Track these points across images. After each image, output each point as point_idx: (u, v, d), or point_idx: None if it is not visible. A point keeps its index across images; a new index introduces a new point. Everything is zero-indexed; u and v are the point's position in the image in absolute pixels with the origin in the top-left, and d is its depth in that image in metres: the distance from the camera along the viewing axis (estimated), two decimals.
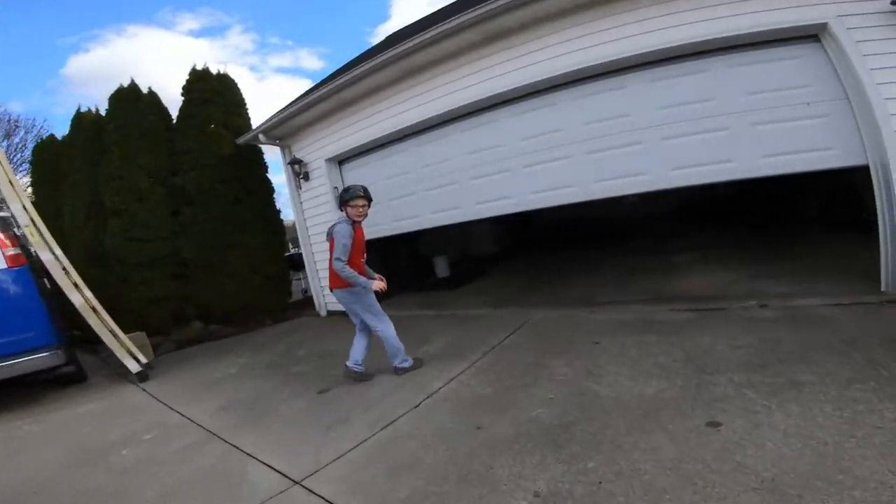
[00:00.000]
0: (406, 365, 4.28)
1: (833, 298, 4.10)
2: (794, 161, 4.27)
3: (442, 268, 9.36)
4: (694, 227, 9.70)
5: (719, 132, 4.48)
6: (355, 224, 4.08)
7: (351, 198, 4.04)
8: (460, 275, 9.13)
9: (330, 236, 4.03)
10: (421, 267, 9.33)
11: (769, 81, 4.32)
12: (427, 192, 6.47)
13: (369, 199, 4.14)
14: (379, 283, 3.99)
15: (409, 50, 5.58)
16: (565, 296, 6.02)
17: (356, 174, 7.35)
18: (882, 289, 4.15)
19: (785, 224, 8.43)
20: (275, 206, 9.17)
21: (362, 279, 3.92)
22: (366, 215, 4.12)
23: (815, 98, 4.19)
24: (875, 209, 4.10)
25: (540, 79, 5.10)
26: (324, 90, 6.60)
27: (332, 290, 4.18)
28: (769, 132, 4.33)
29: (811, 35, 4.16)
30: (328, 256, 4.03)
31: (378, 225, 7.05)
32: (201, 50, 76.10)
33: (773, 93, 4.31)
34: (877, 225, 4.10)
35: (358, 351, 4.26)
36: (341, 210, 4.14)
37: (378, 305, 4.13)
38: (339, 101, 6.81)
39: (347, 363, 4.27)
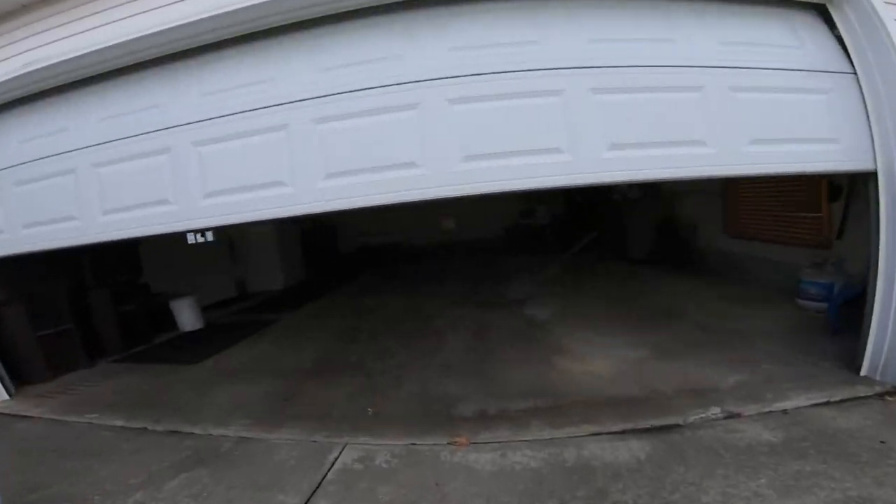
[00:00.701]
0: None
1: (819, 394, 2.83)
2: (790, 155, 2.66)
3: (188, 316, 5.75)
4: (520, 259, 8.53)
5: (688, 93, 2.57)
6: None
7: None
8: (220, 329, 5.71)
9: None
10: (153, 315, 5.57)
11: (751, 33, 2.66)
12: (106, 167, 3.08)
13: None
14: None
15: None
16: (396, 394, 3.36)
17: None
18: (863, 373, 2.99)
19: (606, 258, 7.86)
20: None
21: None
22: None
23: (812, 65, 2.70)
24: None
25: None
26: None
27: None
28: (754, 104, 2.62)
29: None
30: None
31: None
32: None
33: (757, 47, 2.64)
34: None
35: None
36: None
37: None
38: None
39: None
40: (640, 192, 7.31)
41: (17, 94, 3.47)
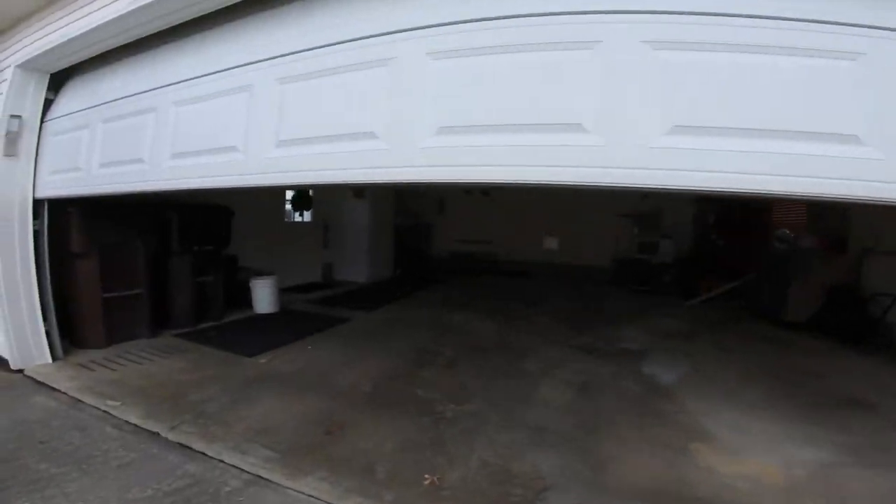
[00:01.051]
0: None
1: None
2: None
3: (264, 298, 5.42)
4: (632, 299, 7.30)
5: None
6: None
7: None
8: (291, 318, 5.29)
9: None
10: (230, 290, 5.32)
11: None
12: (185, 107, 2.69)
13: None
14: None
15: None
16: (465, 459, 2.46)
17: (88, 92, 3.38)
18: None
19: (745, 315, 6.25)
20: None
21: None
22: None
23: None
24: None
25: None
26: None
27: None
28: None
29: None
30: None
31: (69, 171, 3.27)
32: None
33: None
34: None
35: None
36: None
37: None
38: None
39: None
40: (816, 242, 5.69)
41: (123, 38, 3.25)
